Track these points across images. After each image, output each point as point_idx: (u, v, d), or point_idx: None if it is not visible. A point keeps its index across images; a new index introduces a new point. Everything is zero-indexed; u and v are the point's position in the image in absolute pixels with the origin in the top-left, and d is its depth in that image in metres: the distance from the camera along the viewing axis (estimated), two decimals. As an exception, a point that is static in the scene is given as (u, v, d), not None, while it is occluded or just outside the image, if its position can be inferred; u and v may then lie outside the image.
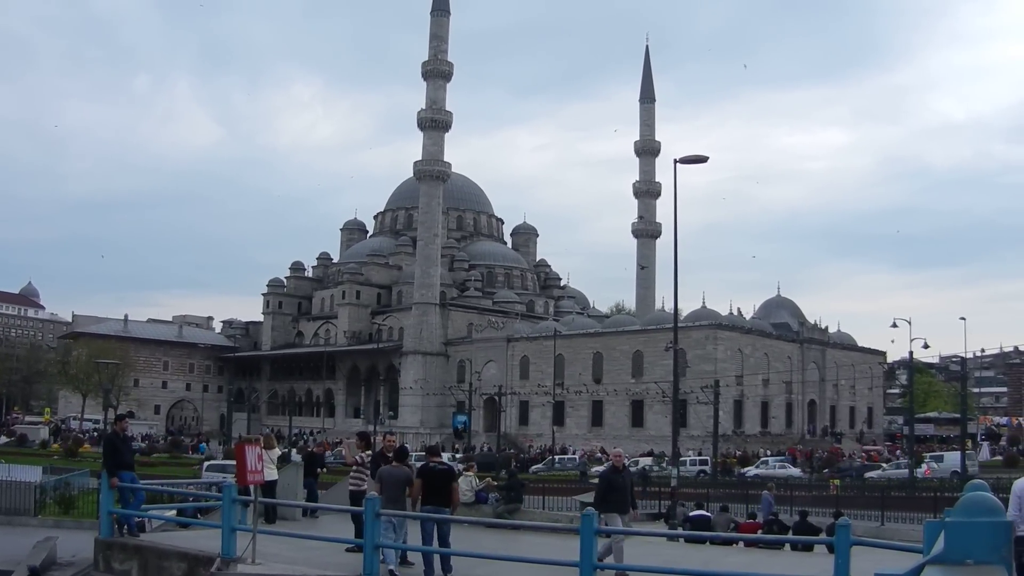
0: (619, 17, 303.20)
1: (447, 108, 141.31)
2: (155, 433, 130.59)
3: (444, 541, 17.80)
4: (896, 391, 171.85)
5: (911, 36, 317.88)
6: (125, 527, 21.33)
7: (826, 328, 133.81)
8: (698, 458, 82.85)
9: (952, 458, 73.98)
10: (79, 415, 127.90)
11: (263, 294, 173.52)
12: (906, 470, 69.73)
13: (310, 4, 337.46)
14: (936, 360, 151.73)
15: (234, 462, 21.78)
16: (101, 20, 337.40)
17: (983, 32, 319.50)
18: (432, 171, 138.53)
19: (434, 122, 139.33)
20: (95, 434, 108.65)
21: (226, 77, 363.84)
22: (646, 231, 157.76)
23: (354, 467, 23.68)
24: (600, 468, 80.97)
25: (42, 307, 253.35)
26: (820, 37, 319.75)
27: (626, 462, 21.34)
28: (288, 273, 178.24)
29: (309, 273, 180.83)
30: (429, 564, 17.04)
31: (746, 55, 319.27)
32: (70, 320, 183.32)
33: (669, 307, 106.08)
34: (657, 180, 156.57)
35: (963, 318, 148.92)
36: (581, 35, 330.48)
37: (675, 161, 39.93)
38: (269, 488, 23.70)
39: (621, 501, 19.46)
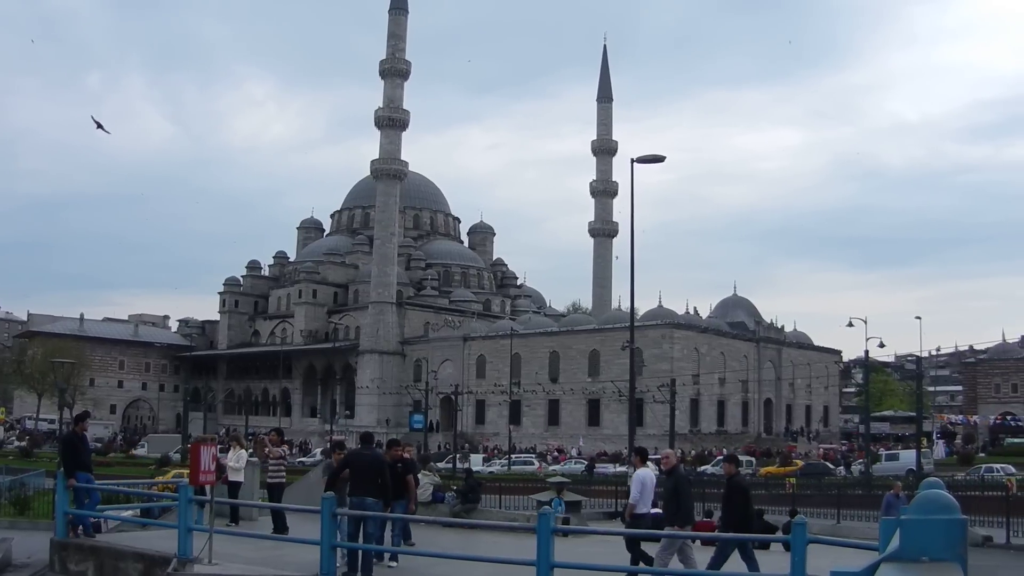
0: (569, 16, 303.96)
1: (404, 107, 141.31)
2: (109, 434, 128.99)
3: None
4: (852, 390, 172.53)
5: (865, 37, 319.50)
6: (80, 528, 21.23)
7: (782, 327, 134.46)
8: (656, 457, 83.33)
9: (907, 456, 74.50)
10: (35, 415, 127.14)
11: (219, 293, 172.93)
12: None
13: (262, 1, 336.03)
14: (892, 359, 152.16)
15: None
16: (52, 17, 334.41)
17: (935, 33, 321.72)
18: (389, 170, 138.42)
19: (391, 121, 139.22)
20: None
21: (178, 75, 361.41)
22: (602, 230, 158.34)
23: (272, 461, 24.50)
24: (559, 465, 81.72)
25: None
26: (771, 37, 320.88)
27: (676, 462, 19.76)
28: (244, 272, 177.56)
29: (266, 272, 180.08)
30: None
31: (699, 55, 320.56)
32: (25, 319, 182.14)
33: (625, 306, 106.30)
34: (614, 179, 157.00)
35: (918, 317, 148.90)
36: (531, 33, 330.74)
37: (632, 161, 39.69)
38: (235, 489, 23.71)
39: (669, 511, 18.22)
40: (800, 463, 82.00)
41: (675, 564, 16.96)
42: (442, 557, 18.92)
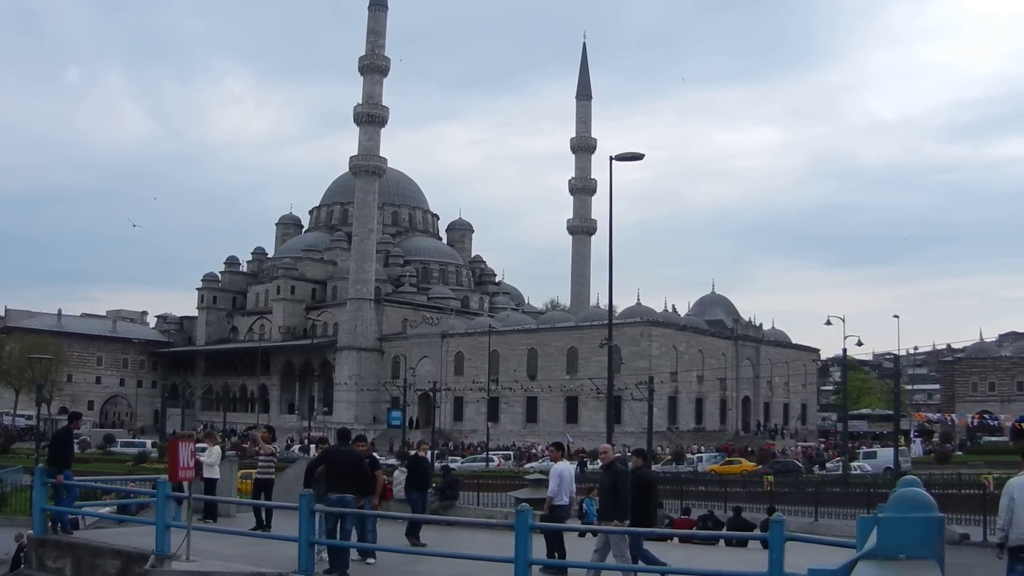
0: (549, 14, 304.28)
1: (383, 103, 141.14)
2: (87, 431, 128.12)
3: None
4: (830, 388, 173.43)
5: (844, 36, 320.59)
6: (58, 524, 21.17)
7: (760, 325, 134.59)
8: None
9: (885, 454, 74.74)
10: (12, 411, 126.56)
11: (197, 289, 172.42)
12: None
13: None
14: (870, 357, 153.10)
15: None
16: (30, 11, 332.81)
17: (914, 33, 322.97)
18: (368, 166, 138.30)
19: (370, 117, 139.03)
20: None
21: (157, 70, 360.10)
22: (581, 228, 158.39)
23: (262, 457, 25.08)
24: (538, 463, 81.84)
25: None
26: (751, 36, 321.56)
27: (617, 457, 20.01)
28: (223, 268, 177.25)
29: (244, 268, 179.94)
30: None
31: (678, 53, 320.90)
32: (2, 314, 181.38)
33: (604, 304, 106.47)
34: (593, 177, 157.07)
35: (896, 316, 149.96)
36: (510, 31, 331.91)
37: (611, 158, 39.49)
38: (210, 486, 23.77)
39: (608, 505, 18.11)
40: (744, 462, 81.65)
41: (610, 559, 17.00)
42: (420, 554, 18.92)
